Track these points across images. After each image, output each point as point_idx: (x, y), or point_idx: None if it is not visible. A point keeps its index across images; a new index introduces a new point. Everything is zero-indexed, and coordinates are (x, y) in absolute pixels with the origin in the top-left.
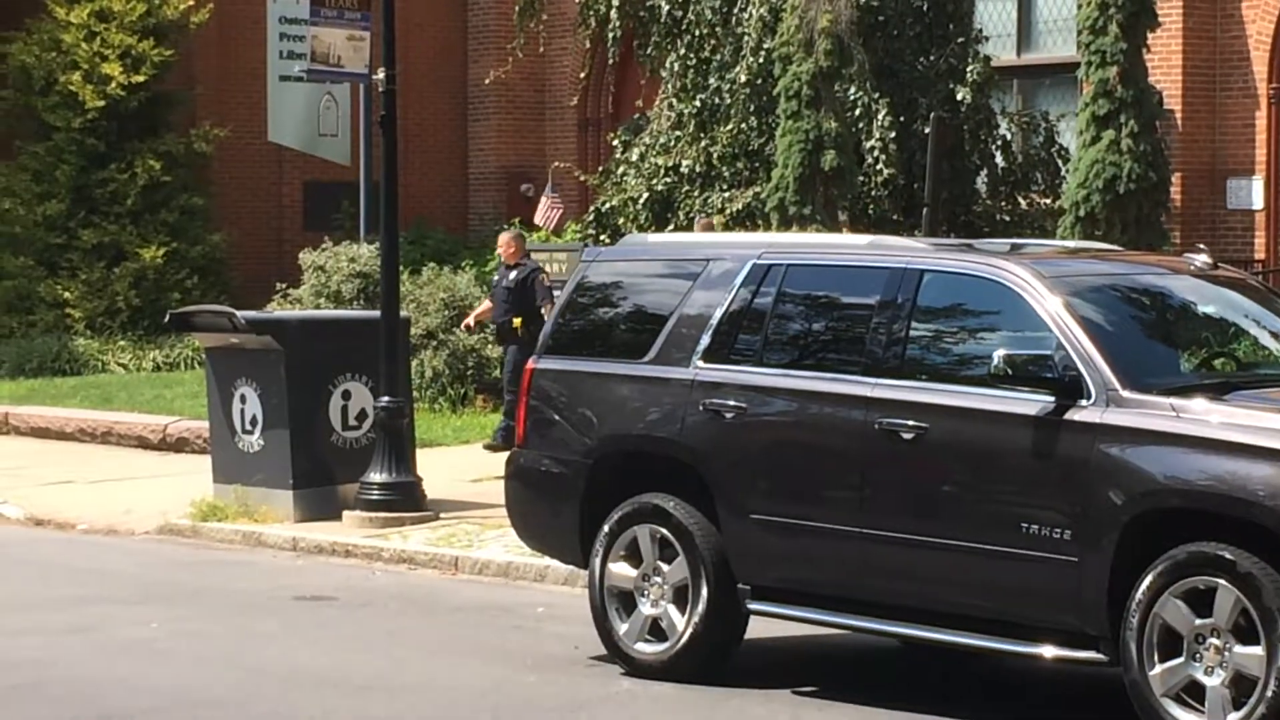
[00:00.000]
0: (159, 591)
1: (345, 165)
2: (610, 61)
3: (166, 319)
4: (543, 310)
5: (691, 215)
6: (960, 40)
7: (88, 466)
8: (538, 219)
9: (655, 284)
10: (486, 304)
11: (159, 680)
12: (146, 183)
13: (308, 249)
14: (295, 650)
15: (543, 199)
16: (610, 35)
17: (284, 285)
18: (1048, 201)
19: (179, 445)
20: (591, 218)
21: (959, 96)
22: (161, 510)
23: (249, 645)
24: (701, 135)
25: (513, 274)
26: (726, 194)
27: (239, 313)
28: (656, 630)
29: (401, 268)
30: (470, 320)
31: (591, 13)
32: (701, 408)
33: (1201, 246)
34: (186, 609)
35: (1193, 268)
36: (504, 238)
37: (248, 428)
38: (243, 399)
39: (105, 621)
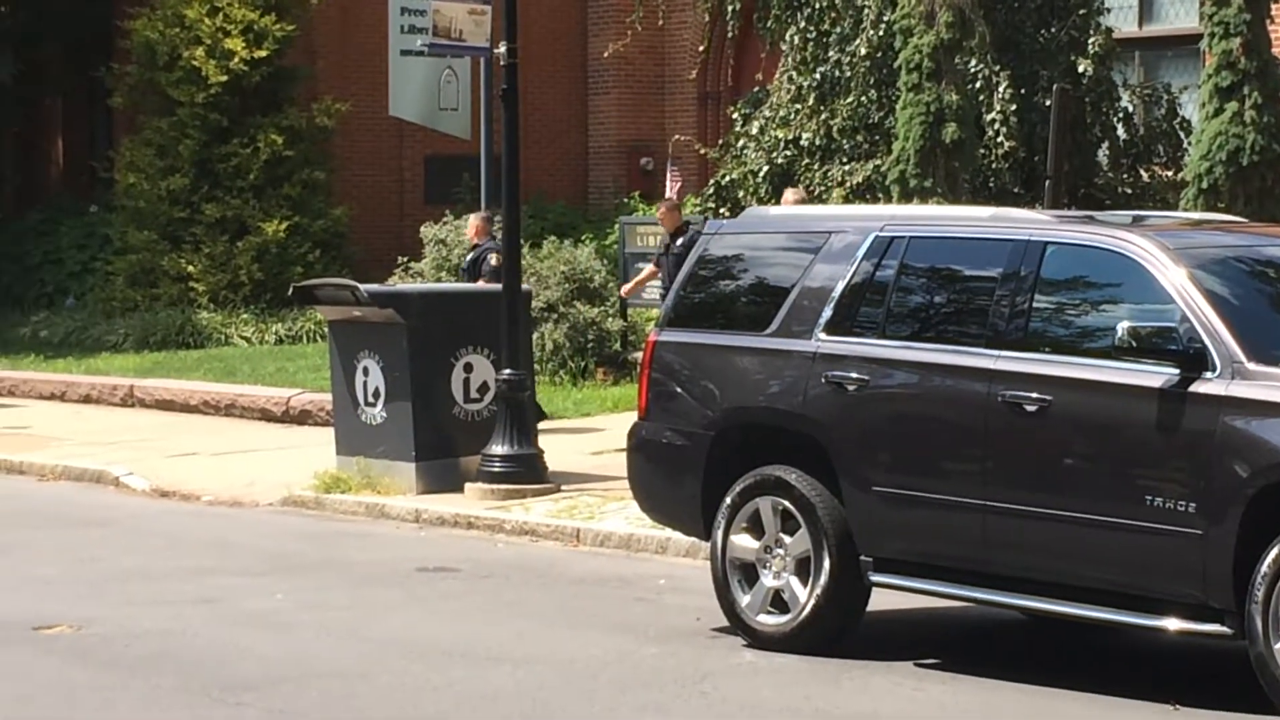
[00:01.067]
0: (283, 563)
1: (465, 139)
2: (730, 34)
3: (290, 292)
4: None
5: (812, 188)
6: (1082, 12)
7: (212, 439)
8: (668, 193)
9: (777, 257)
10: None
11: (284, 651)
12: (269, 157)
13: (428, 223)
14: (418, 621)
15: (669, 172)
16: (730, 8)
17: (405, 259)
18: (1170, 174)
19: (301, 418)
20: (711, 191)
21: (1080, 69)
22: (285, 482)
23: (372, 616)
24: (821, 108)
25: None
26: (846, 167)
27: (361, 286)
28: (779, 602)
29: (522, 241)
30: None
31: None
32: (823, 380)
33: None
34: (310, 580)
35: None
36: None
37: (370, 400)
38: (365, 371)
39: (230, 593)
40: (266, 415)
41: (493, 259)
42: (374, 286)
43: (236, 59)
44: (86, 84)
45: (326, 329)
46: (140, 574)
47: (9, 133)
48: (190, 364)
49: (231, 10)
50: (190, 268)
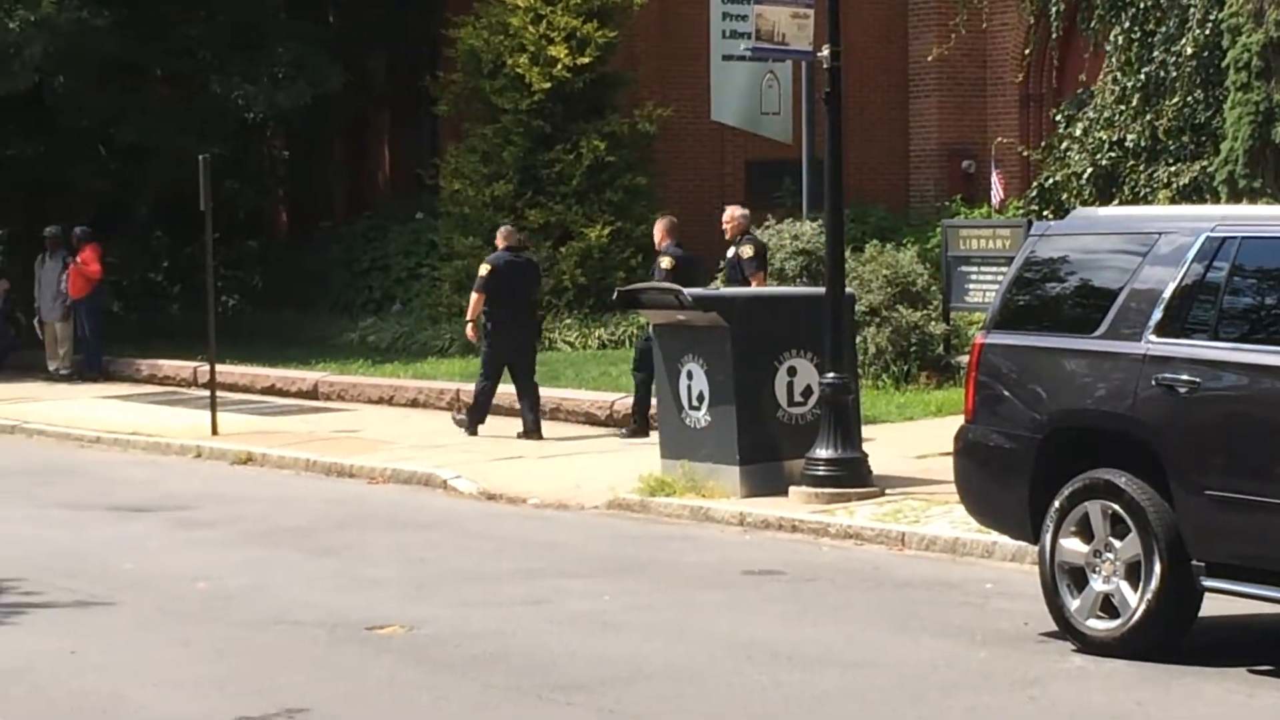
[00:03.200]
0: (610, 565)
1: (787, 143)
2: (1053, 36)
3: (614, 297)
4: None
5: (1137, 190)
6: None
7: (537, 442)
8: (994, 197)
9: (1104, 259)
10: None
11: (612, 652)
12: (591, 163)
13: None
14: (745, 623)
15: (992, 175)
16: (1053, 9)
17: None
18: None
19: (625, 422)
20: (1034, 193)
21: None
22: (610, 485)
23: (699, 618)
24: (1146, 109)
25: (730, 251)
26: (1172, 168)
27: (685, 290)
28: (1108, 606)
29: (844, 245)
30: None
31: None
32: (1153, 383)
33: None
34: (637, 582)
35: None
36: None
37: (694, 404)
38: (689, 375)
39: (558, 594)
40: (590, 419)
41: (664, 262)
42: (698, 290)
43: (560, 66)
44: (412, 93)
45: (651, 333)
46: (470, 575)
47: (338, 142)
48: None
49: (555, 17)
50: None
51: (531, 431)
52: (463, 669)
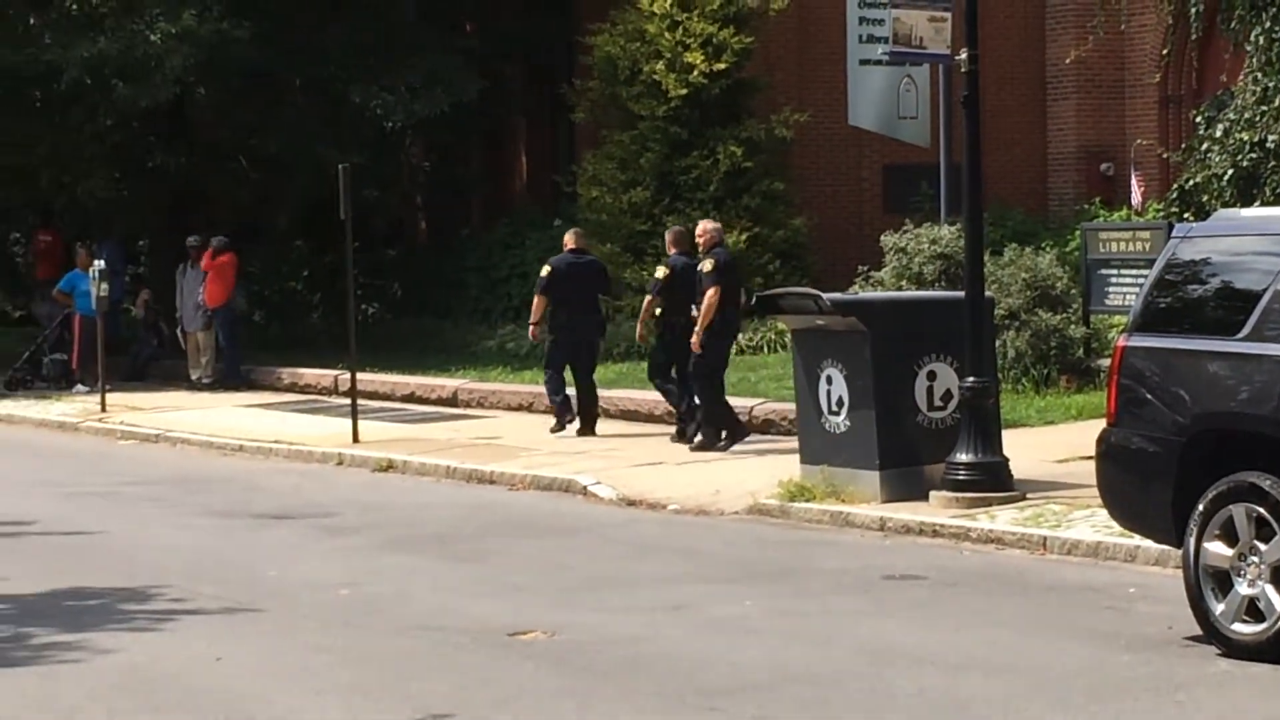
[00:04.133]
0: (750, 571)
1: (925, 147)
2: (1192, 36)
3: (752, 302)
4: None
5: (1279, 191)
6: None
7: (676, 448)
8: (1134, 199)
9: (1247, 260)
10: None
11: (754, 658)
12: (728, 169)
13: (888, 231)
14: (887, 629)
15: (1132, 177)
16: (1192, 10)
17: (865, 268)
18: None
19: (764, 427)
20: (1174, 195)
21: None
22: (750, 491)
23: (841, 624)
24: None
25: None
26: None
27: (824, 295)
28: (1253, 610)
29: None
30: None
31: None
32: None
33: None
34: (777, 588)
35: None
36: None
37: (834, 409)
38: (829, 380)
39: (699, 599)
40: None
41: (659, 271)
42: (837, 295)
43: (696, 72)
44: (549, 101)
45: (789, 338)
46: (611, 581)
47: (475, 150)
48: None
49: (691, 24)
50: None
51: (584, 429)
52: (605, 674)
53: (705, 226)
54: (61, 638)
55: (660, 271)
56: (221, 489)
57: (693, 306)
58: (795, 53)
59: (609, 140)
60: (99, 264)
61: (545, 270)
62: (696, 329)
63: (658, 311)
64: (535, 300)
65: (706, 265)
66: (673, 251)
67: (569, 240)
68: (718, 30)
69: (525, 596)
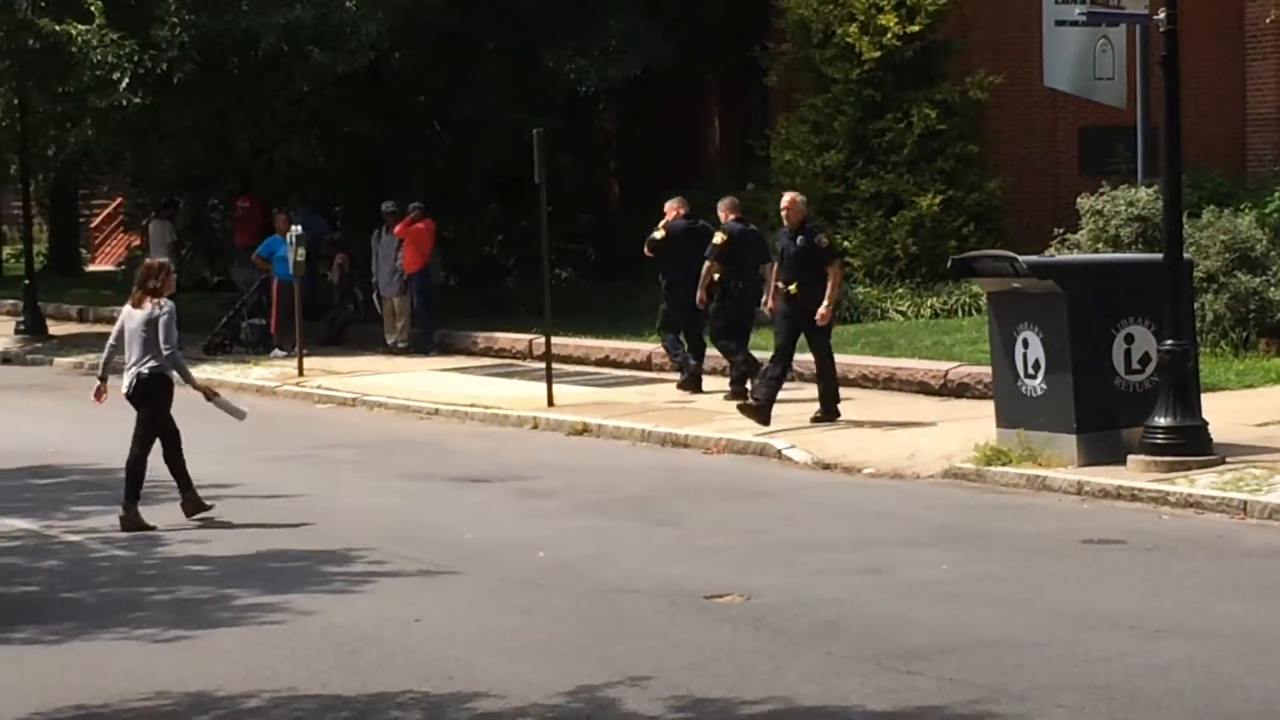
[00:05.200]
0: (946, 534)
1: (1121, 109)
2: None
3: (948, 265)
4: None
5: None
6: None
7: (871, 411)
8: None
9: None
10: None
11: (951, 621)
12: (922, 131)
13: (1084, 194)
14: (1084, 593)
15: None
16: None
17: (1061, 231)
18: None
19: (959, 391)
20: None
21: None
22: (945, 454)
23: (1038, 588)
24: None
25: (798, 239)
26: None
27: (1020, 257)
28: None
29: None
30: (768, 300)
31: None
32: None
33: None
34: (974, 552)
35: None
36: (785, 201)
37: (1030, 372)
38: (1025, 343)
39: (896, 563)
40: (924, 388)
41: (716, 237)
42: (1033, 258)
43: (890, 34)
44: (741, 64)
45: (985, 301)
46: (806, 545)
47: (667, 114)
48: (847, 338)
49: None
50: (846, 243)
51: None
52: (802, 637)
53: (794, 199)
54: (262, 599)
55: (718, 238)
56: (418, 452)
57: (760, 269)
58: (990, 14)
59: (802, 103)
60: (296, 229)
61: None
62: (825, 305)
63: (716, 276)
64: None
65: (824, 240)
66: (729, 218)
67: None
68: None
69: (721, 560)
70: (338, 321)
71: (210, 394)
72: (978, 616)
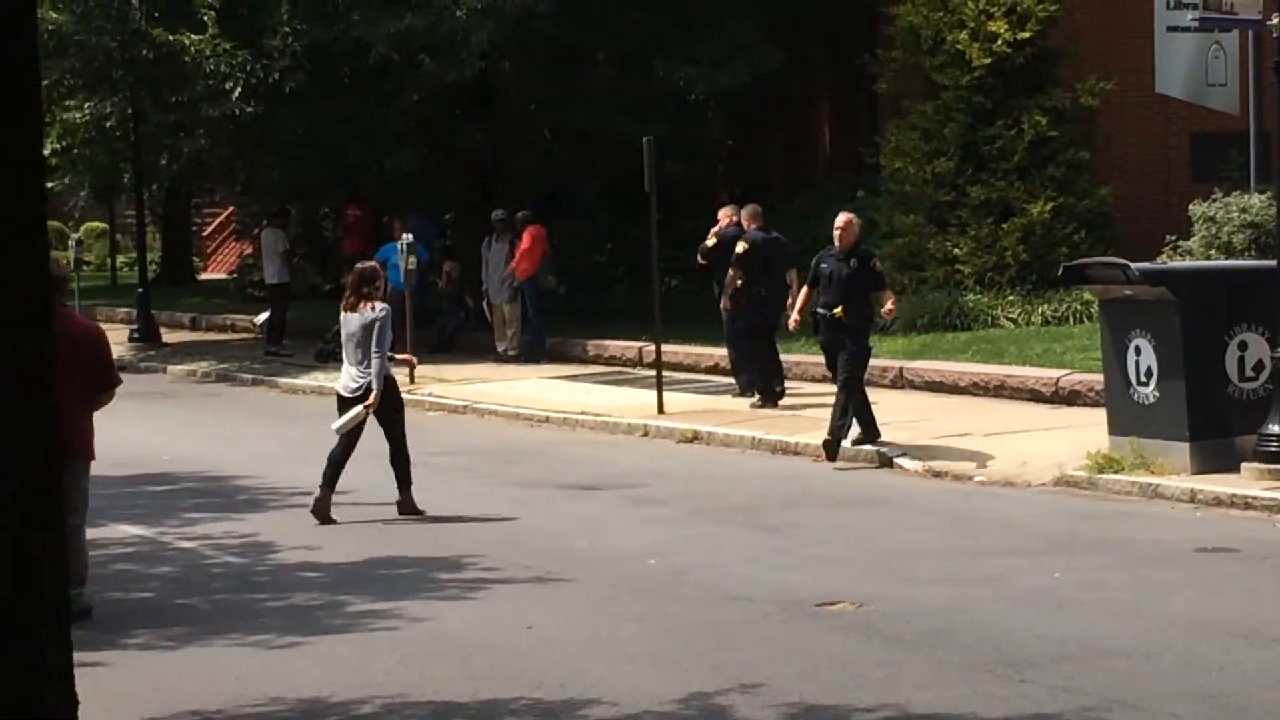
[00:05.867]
0: (1058, 542)
1: (1234, 115)
2: None
3: (1059, 272)
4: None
5: None
6: None
7: (981, 420)
8: None
9: None
10: (804, 290)
11: (1064, 629)
12: (1033, 138)
13: (1197, 200)
14: (1199, 602)
15: None
16: None
17: (1173, 237)
18: None
19: (1070, 398)
20: None
21: None
22: (1057, 462)
23: (1152, 596)
24: None
25: (852, 262)
26: None
27: (1132, 264)
28: None
29: None
30: (794, 317)
31: None
32: None
33: None
34: (1087, 560)
35: None
36: (839, 223)
37: (1142, 380)
38: (1137, 351)
39: (1008, 571)
40: (1035, 396)
41: (740, 246)
42: (1145, 265)
43: (1000, 41)
44: (850, 71)
45: (1096, 308)
46: (918, 552)
47: (776, 121)
48: (957, 346)
49: None
50: (956, 250)
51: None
52: (914, 645)
53: (849, 220)
54: (375, 605)
55: (741, 246)
56: (528, 460)
57: (787, 277)
58: (1101, 20)
59: (912, 110)
60: (406, 237)
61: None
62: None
63: (739, 283)
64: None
65: (879, 265)
66: (751, 227)
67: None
68: None
69: (832, 567)
70: (448, 329)
71: (369, 409)
72: (1090, 625)
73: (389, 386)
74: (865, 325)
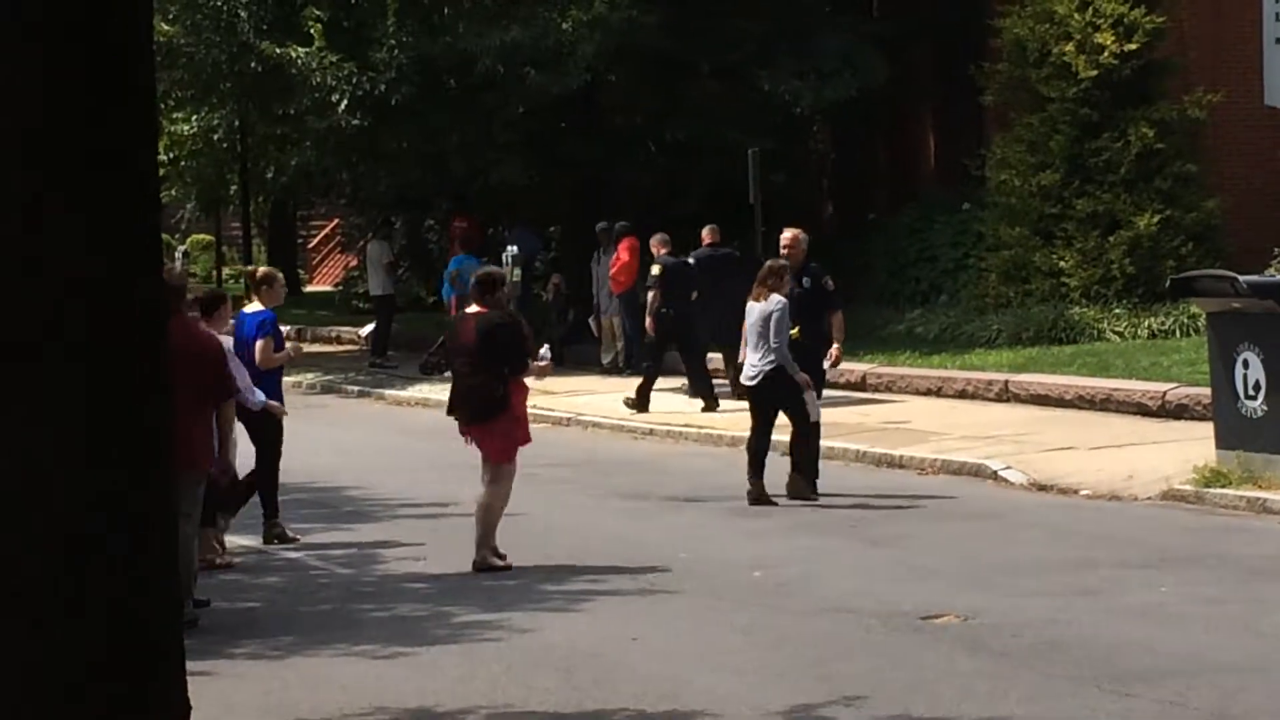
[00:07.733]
0: (1165, 556)
1: None
2: None
3: (1167, 285)
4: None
5: None
6: None
7: (1087, 433)
8: None
9: None
10: None
11: (1172, 644)
12: (1139, 151)
13: None
14: None
15: None
16: None
17: None
18: None
19: (1178, 412)
20: None
21: None
22: (1163, 476)
23: (1260, 611)
24: None
25: (804, 280)
26: None
27: (1241, 277)
28: None
29: None
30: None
31: None
32: None
33: None
34: (1195, 574)
35: None
36: (786, 237)
37: (1250, 393)
38: (1245, 364)
39: (1113, 585)
40: (1142, 409)
41: (654, 269)
42: (1254, 277)
43: (1106, 53)
44: (955, 84)
45: (1204, 322)
46: (1023, 566)
47: (881, 134)
48: (1063, 359)
49: (1101, 4)
50: (1062, 263)
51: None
52: (1020, 658)
53: (795, 235)
54: (480, 616)
55: (655, 269)
56: (632, 472)
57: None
58: (1209, 32)
59: (1018, 123)
60: (511, 249)
61: (656, 269)
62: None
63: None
64: (649, 295)
65: (830, 283)
66: (662, 252)
67: (658, 245)
68: (1128, 10)
69: (937, 580)
70: (556, 342)
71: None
72: (1199, 639)
73: (786, 379)
74: (821, 346)
